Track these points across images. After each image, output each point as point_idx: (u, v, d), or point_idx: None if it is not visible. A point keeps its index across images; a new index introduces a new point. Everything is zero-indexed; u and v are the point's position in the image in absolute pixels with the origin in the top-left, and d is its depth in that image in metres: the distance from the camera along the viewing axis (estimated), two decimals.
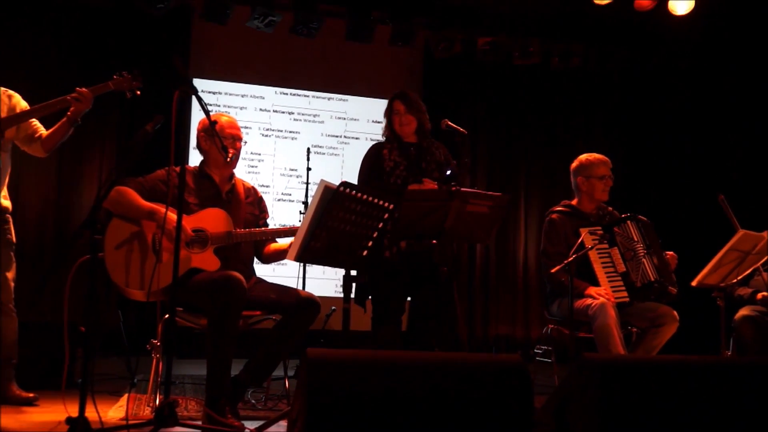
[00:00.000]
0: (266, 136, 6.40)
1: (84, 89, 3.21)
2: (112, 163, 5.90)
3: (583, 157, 4.03)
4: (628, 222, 3.78)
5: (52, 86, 3.30)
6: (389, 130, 3.75)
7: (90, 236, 2.40)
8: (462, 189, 3.12)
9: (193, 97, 2.77)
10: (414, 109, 3.70)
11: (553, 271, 3.68)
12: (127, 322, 4.75)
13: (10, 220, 3.39)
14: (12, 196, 3.42)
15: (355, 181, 3.51)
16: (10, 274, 3.34)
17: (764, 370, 2.31)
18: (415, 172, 3.64)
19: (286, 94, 6.48)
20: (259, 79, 6.40)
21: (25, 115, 3.28)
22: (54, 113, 3.32)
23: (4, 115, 3.29)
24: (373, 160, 3.70)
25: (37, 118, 3.36)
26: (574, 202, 4.05)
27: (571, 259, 3.51)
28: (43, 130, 3.37)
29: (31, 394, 3.34)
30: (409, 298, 3.70)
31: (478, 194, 3.18)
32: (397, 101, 3.71)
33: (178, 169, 2.78)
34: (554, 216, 3.99)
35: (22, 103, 3.37)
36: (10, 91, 3.40)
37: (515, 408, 2.00)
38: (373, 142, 3.92)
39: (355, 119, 6.62)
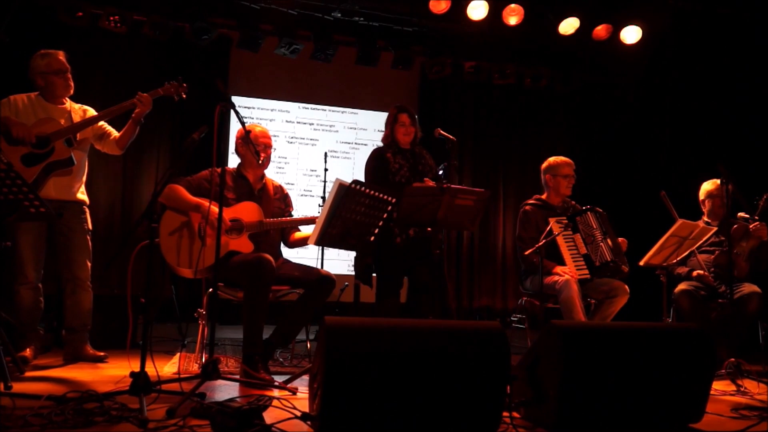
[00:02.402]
0: (291, 143, 6.38)
1: (144, 94, 3.22)
2: (166, 164, 5.90)
3: (552, 159, 4.02)
4: (588, 213, 3.76)
5: (120, 102, 3.29)
6: (390, 137, 3.71)
7: (148, 224, 2.39)
8: (451, 186, 3.11)
9: (232, 111, 2.75)
10: (415, 123, 3.70)
11: (526, 253, 3.68)
12: (178, 294, 4.75)
13: (87, 211, 3.39)
14: (87, 192, 3.41)
15: (363, 179, 3.49)
16: (88, 257, 3.34)
17: (698, 334, 2.30)
18: (416, 174, 3.62)
19: (308, 108, 6.45)
20: (285, 97, 6.37)
21: (95, 119, 3.28)
22: (121, 117, 3.31)
23: None
24: (378, 161, 3.66)
25: (105, 121, 3.36)
26: (543, 196, 4.03)
27: (542, 243, 3.50)
28: (115, 133, 3.37)
29: (102, 353, 3.34)
30: (405, 277, 3.69)
31: (464, 190, 3.16)
32: (405, 114, 3.67)
33: (219, 170, 2.77)
34: (527, 207, 3.97)
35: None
36: (85, 107, 3.41)
37: (496, 364, 1.99)
38: None
39: (364, 129, 6.60)
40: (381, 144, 3.80)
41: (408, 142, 3.69)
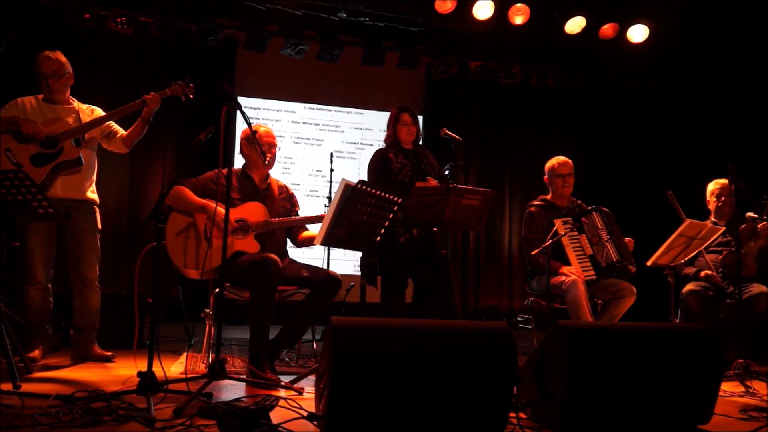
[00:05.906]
0: (297, 143, 6.39)
1: (152, 94, 3.24)
2: (172, 165, 5.93)
3: (551, 160, 4.05)
4: (594, 213, 3.74)
5: (128, 102, 3.30)
6: (393, 137, 3.72)
7: (155, 225, 2.40)
8: (457, 186, 3.11)
9: (238, 112, 2.76)
10: (416, 122, 3.71)
11: (533, 253, 3.66)
12: (185, 294, 4.76)
13: (97, 211, 3.40)
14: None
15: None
16: (96, 257, 3.35)
17: (706, 335, 2.29)
18: (418, 173, 3.63)
19: (313, 108, 6.46)
20: (291, 97, 6.39)
21: (104, 119, 3.29)
22: (127, 117, 3.32)
23: None
24: (380, 162, 3.67)
25: (114, 121, 3.37)
26: (549, 196, 4.02)
27: (548, 243, 3.49)
28: (121, 131, 3.38)
29: (109, 353, 3.35)
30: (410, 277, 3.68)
31: (470, 190, 3.16)
32: (406, 114, 3.69)
33: (225, 170, 2.77)
34: (532, 209, 3.96)
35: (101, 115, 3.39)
36: (93, 106, 3.42)
37: (502, 365, 1.99)
38: None
39: (369, 129, 6.60)
40: (384, 145, 3.81)
41: (410, 141, 3.70)
